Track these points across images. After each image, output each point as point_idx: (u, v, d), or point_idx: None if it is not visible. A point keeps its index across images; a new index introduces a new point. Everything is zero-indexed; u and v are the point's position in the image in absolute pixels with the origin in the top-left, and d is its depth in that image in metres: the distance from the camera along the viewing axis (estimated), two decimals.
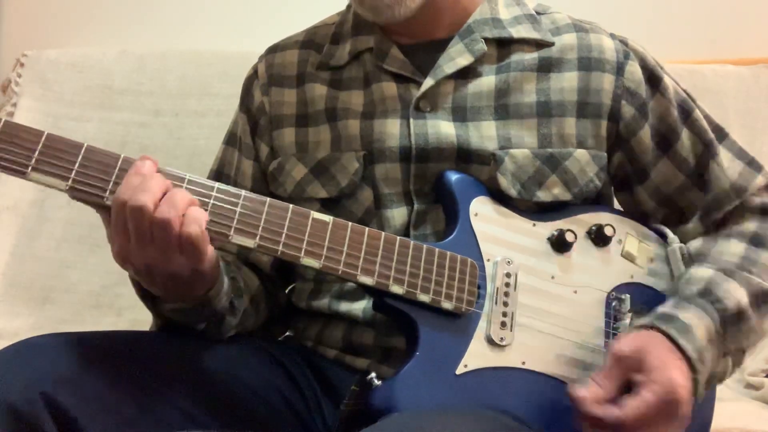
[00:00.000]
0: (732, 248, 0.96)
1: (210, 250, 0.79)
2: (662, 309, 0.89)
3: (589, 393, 0.81)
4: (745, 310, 0.89)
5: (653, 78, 0.99)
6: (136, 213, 0.75)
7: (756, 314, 0.90)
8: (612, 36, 1.00)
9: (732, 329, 0.88)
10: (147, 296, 0.87)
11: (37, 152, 0.75)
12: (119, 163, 0.77)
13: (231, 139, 1.09)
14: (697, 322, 0.86)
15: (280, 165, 1.01)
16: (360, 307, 0.95)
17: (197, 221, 0.76)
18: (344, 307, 0.96)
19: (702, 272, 0.93)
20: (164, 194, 0.76)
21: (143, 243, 0.76)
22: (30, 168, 0.75)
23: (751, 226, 0.98)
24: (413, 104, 0.95)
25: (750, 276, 0.92)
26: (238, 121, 1.08)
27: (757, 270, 0.93)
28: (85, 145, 0.77)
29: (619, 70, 0.97)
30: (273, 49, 1.07)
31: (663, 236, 1.00)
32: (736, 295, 0.89)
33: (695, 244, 0.99)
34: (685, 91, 1.02)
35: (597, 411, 0.80)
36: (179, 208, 0.76)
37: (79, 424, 0.76)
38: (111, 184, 0.77)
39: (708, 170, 0.99)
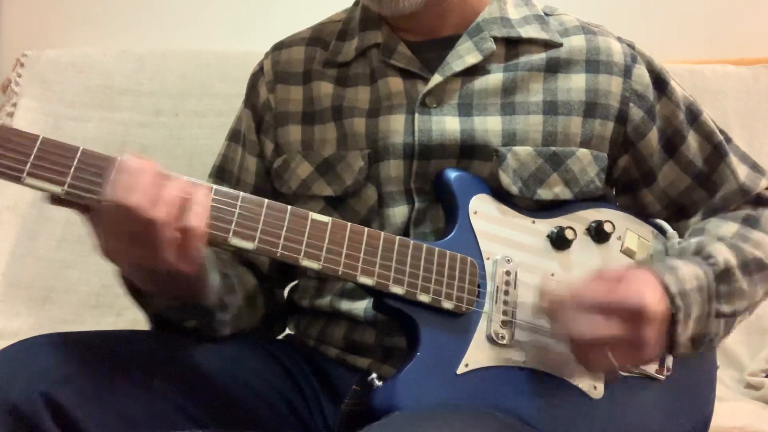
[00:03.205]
0: (726, 227, 0.97)
1: (201, 252, 0.79)
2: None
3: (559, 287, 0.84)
4: (734, 270, 0.90)
5: (660, 81, 0.99)
6: (130, 213, 0.73)
7: (745, 278, 0.91)
8: (619, 39, 1.00)
9: (724, 288, 0.89)
10: (134, 292, 0.86)
11: (32, 156, 0.74)
12: (116, 165, 0.75)
13: (234, 136, 1.08)
14: (685, 267, 0.87)
15: (285, 162, 1.01)
16: (361, 306, 0.95)
17: (198, 214, 0.75)
18: (345, 305, 0.96)
19: (693, 239, 0.95)
20: (157, 190, 0.74)
21: (134, 243, 0.75)
22: (25, 173, 0.74)
23: (745, 210, 1.00)
24: (419, 100, 0.95)
25: (740, 244, 0.93)
26: (242, 117, 1.07)
27: (749, 244, 0.94)
28: (81, 148, 0.75)
29: (627, 72, 0.97)
30: (279, 46, 1.07)
31: (662, 231, 1.00)
32: (725, 254, 0.91)
33: (689, 231, 1.01)
34: (691, 95, 1.02)
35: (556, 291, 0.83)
36: (174, 206, 0.74)
37: (79, 423, 0.76)
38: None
39: (717, 171, 1.00)
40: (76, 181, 0.74)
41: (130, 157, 0.75)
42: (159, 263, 0.76)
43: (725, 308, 0.89)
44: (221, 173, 1.07)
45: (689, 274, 0.87)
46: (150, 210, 0.73)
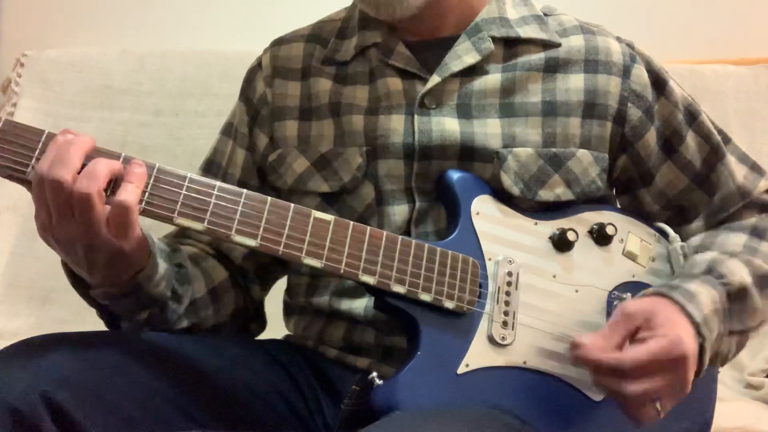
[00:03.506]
0: (733, 239, 0.97)
1: (137, 230, 0.79)
2: (667, 282, 0.90)
3: (591, 339, 0.80)
4: (749, 288, 0.90)
5: (658, 81, 0.99)
6: (54, 187, 0.73)
7: (760, 295, 0.91)
8: (618, 39, 1.00)
9: (737, 306, 0.89)
10: (78, 283, 0.86)
11: (37, 151, 0.75)
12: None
13: (227, 129, 1.08)
14: (702, 291, 0.86)
15: (281, 156, 1.01)
16: (361, 305, 0.94)
17: (126, 189, 0.75)
18: (345, 305, 0.96)
19: (705, 256, 0.94)
20: (85, 165, 0.75)
21: (64, 218, 0.75)
22: (30, 167, 0.75)
23: (751, 220, 1.00)
24: (418, 101, 0.95)
25: (752, 259, 0.93)
26: (236, 111, 1.08)
27: (759, 256, 0.94)
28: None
29: (626, 72, 0.97)
30: (278, 42, 1.07)
31: (664, 234, 1.00)
32: (740, 272, 0.90)
33: (697, 238, 1.00)
34: (689, 96, 1.02)
35: (596, 354, 0.80)
36: (101, 181, 0.74)
37: (78, 424, 0.76)
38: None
39: (715, 172, 1.00)
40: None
41: (65, 132, 0.76)
42: (94, 240, 0.76)
43: (737, 326, 0.89)
44: (210, 166, 1.07)
45: (708, 298, 0.86)
46: (75, 183, 0.74)
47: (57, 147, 0.75)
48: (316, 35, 1.05)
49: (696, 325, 0.83)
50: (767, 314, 0.93)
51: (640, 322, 0.81)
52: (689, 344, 0.80)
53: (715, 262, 0.91)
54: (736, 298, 0.89)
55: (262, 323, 1.08)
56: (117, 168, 0.76)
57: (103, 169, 0.75)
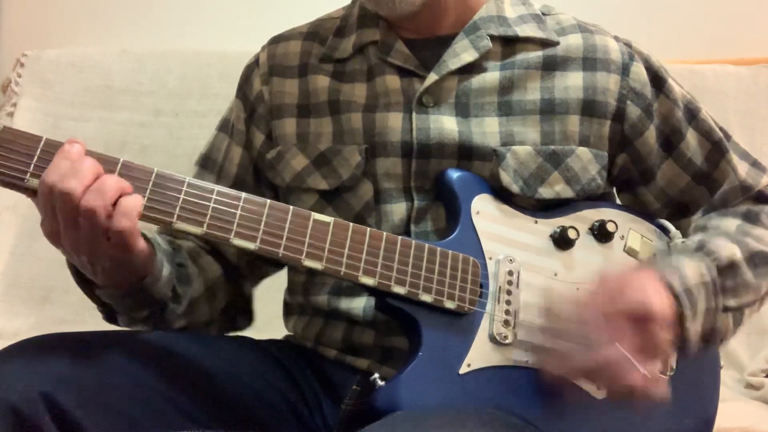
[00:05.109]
0: (727, 223, 0.97)
1: (141, 243, 0.80)
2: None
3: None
4: (739, 263, 0.90)
5: (657, 79, 0.99)
6: (64, 198, 0.74)
7: (751, 271, 0.91)
8: (616, 38, 1.01)
9: (728, 281, 0.89)
10: (82, 280, 0.87)
11: (35, 158, 0.76)
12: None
13: (224, 126, 1.09)
14: (688, 264, 0.88)
15: (280, 154, 1.01)
16: (360, 305, 0.94)
17: (128, 214, 0.76)
18: (344, 304, 0.95)
19: (695, 237, 0.95)
20: (95, 180, 0.76)
21: (71, 228, 0.76)
22: (29, 174, 0.75)
23: (743, 206, 1.01)
24: (416, 99, 0.95)
25: (743, 238, 0.93)
26: (233, 108, 1.08)
27: (750, 238, 0.94)
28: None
29: (624, 70, 0.97)
30: (276, 40, 1.07)
31: (665, 231, 1.00)
32: (729, 248, 0.91)
33: (691, 226, 1.01)
34: (689, 93, 1.02)
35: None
36: (108, 197, 0.75)
37: (79, 423, 0.76)
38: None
39: (718, 168, 1.00)
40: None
41: (75, 143, 0.77)
42: (98, 251, 0.77)
43: (731, 302, 0.89)
44: (206, 162, 1.07)
45: (692, 271, 0.87)
46: (84, 197, 0.75)
47: (71, 159, 0.76)
48: (314, 33, 1.05)
49: (675, 294, 0.84)
50: (761, 291, 0.93)
51: (617, 288, 0.83)
52: (657, 305, 0.81)
53: (705, 241, 0.92)
54: (727, 272, 0.89)
55: (249, 318, 1.08)
56: (126, 188, 0.77)
57: (113, 186, 0.76)
